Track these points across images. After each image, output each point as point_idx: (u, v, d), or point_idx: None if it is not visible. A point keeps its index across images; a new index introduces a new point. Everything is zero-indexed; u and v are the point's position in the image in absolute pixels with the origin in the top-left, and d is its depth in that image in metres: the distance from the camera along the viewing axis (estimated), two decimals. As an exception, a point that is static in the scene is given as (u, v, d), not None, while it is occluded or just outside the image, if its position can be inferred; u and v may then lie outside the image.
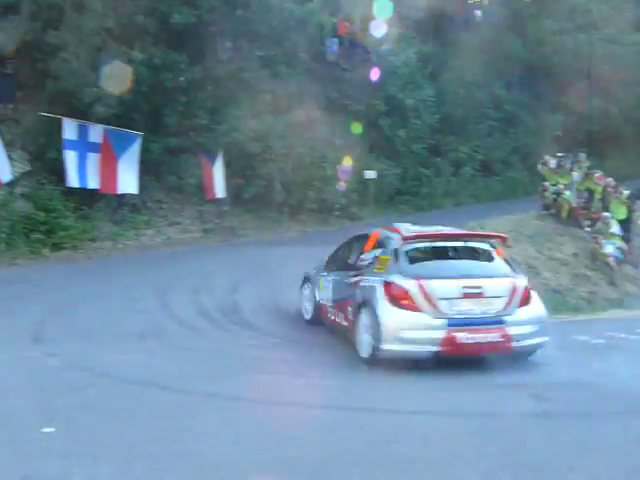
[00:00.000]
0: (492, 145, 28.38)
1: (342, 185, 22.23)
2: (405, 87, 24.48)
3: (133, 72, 19.16)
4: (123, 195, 19.62)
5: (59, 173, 18.67)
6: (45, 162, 19.11)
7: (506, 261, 10.35)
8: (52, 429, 6.81)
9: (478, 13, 32.81)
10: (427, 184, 25.92)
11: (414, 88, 24.88)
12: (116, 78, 18.29)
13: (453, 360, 9.55)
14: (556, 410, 7.71)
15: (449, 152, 27.03)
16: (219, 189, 20.78)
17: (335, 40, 25.51)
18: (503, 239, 10.81)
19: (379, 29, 24.71)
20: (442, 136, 26.57)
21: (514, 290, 9.56)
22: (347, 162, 22.06)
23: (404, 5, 28.03)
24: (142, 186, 19.43)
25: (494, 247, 10.41)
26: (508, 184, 28.79)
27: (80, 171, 18.30)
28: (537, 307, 9.96)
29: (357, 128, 23.06)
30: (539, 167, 21.01)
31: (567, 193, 19.19)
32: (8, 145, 18.64)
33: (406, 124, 24.63)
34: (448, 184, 26.75)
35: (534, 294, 10.00)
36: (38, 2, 18.47)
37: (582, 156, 21.00)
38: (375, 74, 24.19)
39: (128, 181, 18.53)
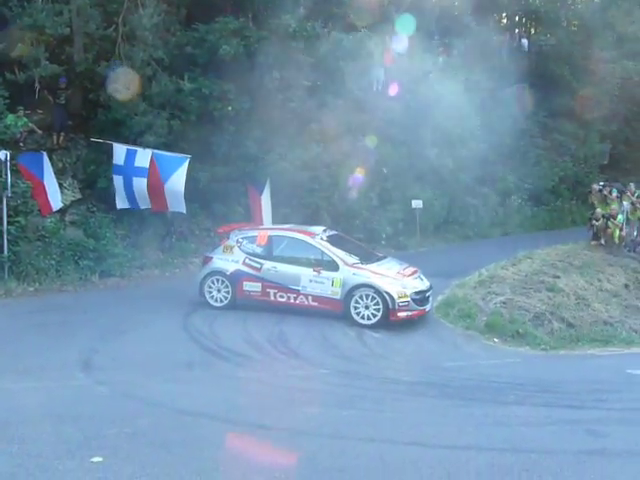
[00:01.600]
0: (540, 174, 28.07)
1: (353, 194, 22.09)
2: (452, 116, 24.37)
3: (182, 101, 19.45)
4: (172, 223, 19.77)
5: (109, 201, 18.92)
6: (95, 190, 19.40)
7: None
8: (100, 459, 6.83)
9: (525, 42, 32.70)
10: (474, 214, 25.69)
11: (461, 117, 24.76)
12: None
13: (502, 394, 9.45)
14: (613, 447, 7.50)
15: (496, 181, 26.79)
16: (266, 218, 20.81)
17: (382, 69, 25.54)
18: None
19: (401, 44, 24.63)
20: (489, 165, 26.35)
21: None
22: (360, 172, 21.94)
23: (450, 34, 28.07)
24: (190, 214, 19.57)
25: None
26: (556, 213, 28.43)
27: (126, 195, 18.49)
28: None
29: (373, 140, 22.98)
30: (588, 196, 20.76)
31: (619, 217, 18.86)
32: (59, 173, 19.00)
33: (453, 153, 24.50)
34: (495, 213, 26.49)
35: None
36: (90, 34, 18.88)
37: (631, 186, 20.67)
38: (394, 89, 24.11)
39: (176, 201, 18.61)
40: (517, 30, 34.44)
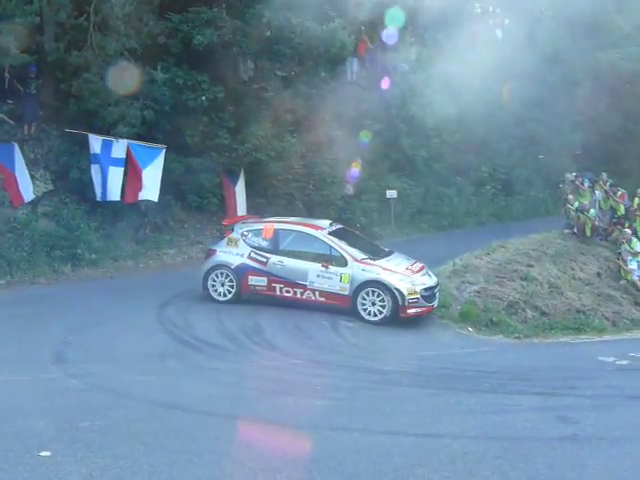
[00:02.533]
0: (513, 164, 28.14)
1: (349, 188, 22.10)
2: (426, 106, 24.39)
3: (156, 92, 19.29)
4: (146, 214, 19.62)
5: (82, 192, 18.74)
6: (68, 181, 19.17)
7: None
8: (48, 453, 6.76)
9: (498, 33, 32.79)
10: (448, 203, 25.73)
11: (435, 107, 24.78)
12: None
13: (476, 382, 9.54)
14: (584, 433, 7.58)
15: (470, 171, 26.85)
16: (241, 209, 20.75)
17: (356, 59, 25.53)
18: None
19: (391, 38, 24.65)
20: (463, 155, 26.41)
21: None
22: (356, 166, 21.96)
23: (424, 25, 28.06)
24: (164, 205, 19.45)
25: None
26: (530, 203, 28.53)
27: (102, 185, 18.36)
28: None
29: (366, 135, 23.00)
30: (561, 186, 20.90)
31: (592, 211, 19.04)
32: (31, 164, 18.74)
33: (427, 143, 24.53)
34: (469, 203, 26.56)
35: None
36: (61, 23, 18.60)
37: (603, 175, 20.83)
38: (386, 83, 24.16)
39: (150, 189, 18.47)
40: (491, 21, 34.51)
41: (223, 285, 14.85)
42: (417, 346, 12.72)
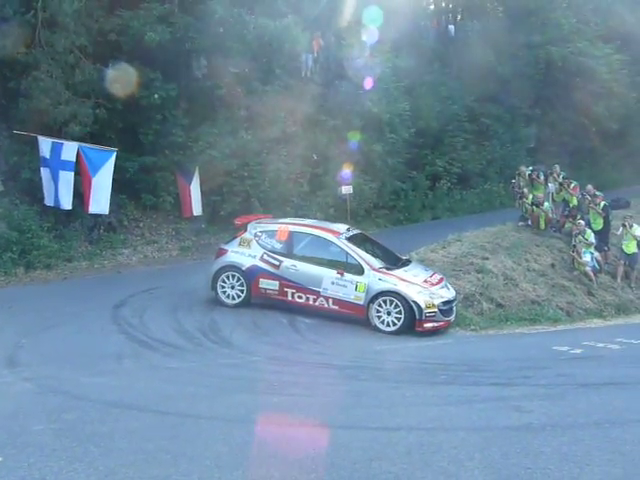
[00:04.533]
0: (468, 158, 28.44)
1: (343, 190, 22.12)
2: (380, 101, 24.50)
3: (107, 89, 19.07)
4: (99, 215, 19.42)
5: (33, 193, 18.45)
6: (19, 182, 18.84)
7: None
8: (1, 458, 6.64)
9: (451, 28, 33.10)
10: (404, 198, 25.92)
11: (389, 102, 24.92)
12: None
13: (433, 375, 9.60)
14: (538, 422, 7.67)
15: (425, 166, 27.07)
16: (196, 207, 20.68)
17: (310, 56, 25.51)
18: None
19: (371, 36, 24.73)
20: (418, 150, 26.59)
21: None
22: (347, 167, 22.00)
23: (379, 20, 28.16)
24: (118, 205, 19.28)
25: None
26: (485, 196, 28.87)
27: (53, 190, 18.11)
28: None
29: (355, 136, 23.13)
30: (514, 181, 21.14)
31: (546, 204, 19.32)
32: (-20, 165, 18.46)
33: (382, 138, 24.63)
34: (425, 198, 26.77)
35: None
36: (8, 19, 18.26)
37: (557, 167, 21.14)
38: (369, 83, 24.24)
39: (100, 201, 18.33)
40: (444, 17, 34.82)
41: (233, 288, 14.39)
42: (375, 341, 12.76)
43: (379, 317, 13.40)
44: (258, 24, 22.13)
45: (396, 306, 13.26)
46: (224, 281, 14.39)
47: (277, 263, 14.09)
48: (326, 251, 14.12)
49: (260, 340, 12.30)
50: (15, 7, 18.06)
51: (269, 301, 14.12)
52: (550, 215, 19.38)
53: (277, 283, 14.02)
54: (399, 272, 13.91)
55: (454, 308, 14.18)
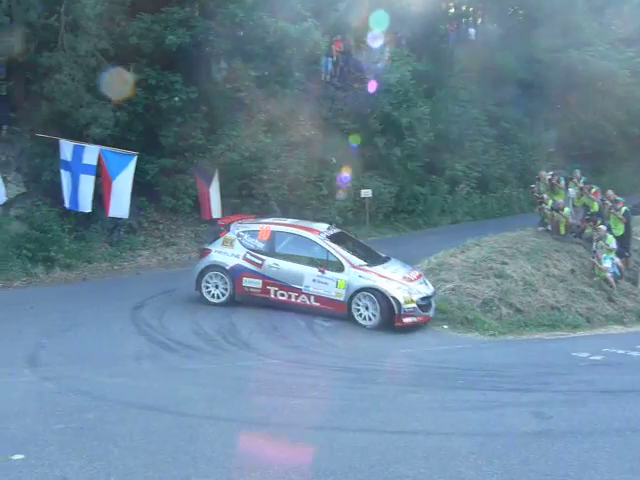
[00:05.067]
0: (487, 162, 28.41)
1: (341, 194, 22.12)
2: (400, 105, 24.50)
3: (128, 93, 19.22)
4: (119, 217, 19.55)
5: (55, 195, 18.59)
6: (41, 184, 19.02)
7: None
8: (22, 456, 6.71)
9: (472, 31, 33.04)
10: (423, 202, 25.89)
11: (409, 106, 24.90)
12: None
13: (451, 379, 9.59)
14: (557, 428, 7.64)
15: (445, 170, 27.03)
16: (215, 209, 20.73)
17: (330, 59, 25.60)
18: None
19: (377, 41, 24.77)
20: (438, 154, 26.57)
21: None
22: (346, 171, 21.99)
23: (398, 23, 28.17)
24: (138, 207, 19.38)
25: None
26: (504, 201, 28.82)
27: (73, 193, 18.23)
28: None
29: (355, 139, 23.14)
30: (533, 186, 21.01)
31: (566, 209, 19.20)
32: (3, 167, 18.61)
33: (401, 142, 24.62)
34: (444, 202, 26.73)
35: None
36: (31, 23, 18.43)
37: (577, 172, 20.99)
38: (372, 86, 24.28)
39: (120, 205, 18.43)
40: (464, 20, 34.78)
41: (217, 287, 14.61)
42: (392, 344, 12.74)
43: (360, 313, 13.66)
44: (278, 27, 22.20)
45: (370, 299, 13.56)
46: (208, 281, 14.66)
47: (260, 262, 14.40)
48: (307, 249, 14.42)
49: (278, 343, 12.31)
50: (39, 12, 18.21)
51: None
52: (570, 220, 19.25)
53: (260, 281, 14.31)
54: (378, 269, 14.18)
55: (433, 303, 14.39)
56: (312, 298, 13.96)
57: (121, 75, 19.05)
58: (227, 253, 14.68)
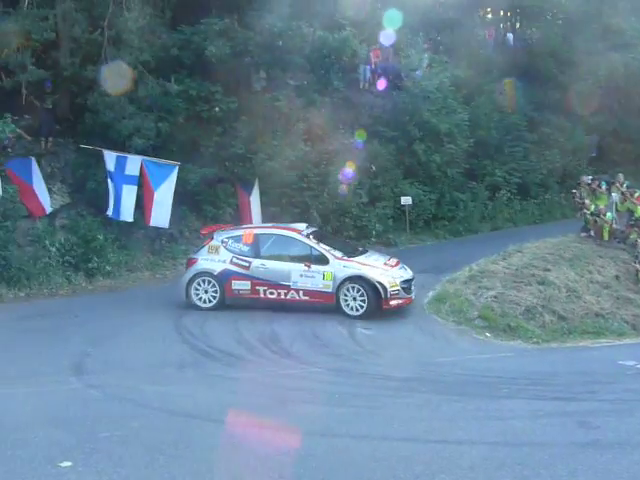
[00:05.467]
0: (528, 168, 28.08)
1: (343, 189, 21.98)
2: (439, 112, 24.40)
3: (170, 104, 19.45)
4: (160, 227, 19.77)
5: (98, 204, 18.87)
6: (84, 194, 19.34)
7: None
8: (70, 463, 6.81)
9: (510, 36, 32.78)
10: (463, 209, 25.68)
11: (448, 113, 24.78)
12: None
13: (494, 388, 9.51)
14: (605, 439, 7.52)
15: (485, 176, 26.81)
16: (256, 218, 20.81)
17: (368, 67, 25.60)
18: None
19: (389, 39, 24.61)
20: (477, 160, 26.37)
21: None
22: (349, 166, 21.84)
23: (436, 30, 28.14)
24: (179, 216, 19.55)
25: None
26: (545, 207, 28.46)
27: (116, 203, 18.50)
28: None
29: (361, 135, 23.02)
30: (575, 191, 20.76)
31: (608, 214, 18.92)
32: (48, 178, 18.95)
33: (441, 149, 24.49)
34: (484, 208, 26.50)
35: None
36: (76, 38, 18.79)
37: (620, 177, 20.65)
38: (382, 85, 24.19)
39: (161, 215, 18.66)
40: (502, 25, 34.53)
41: (207, 292, 15.18)
42: (435, 353, 12.68)
43: (347, 304, 14.43)
44: (317, 37, 22.29)
45: (358, 290, 14.36)
46: (197, 287, 15.20)
47: (247, 264, 15.03)
48: (291, 247, 15.22)
49: (320, 351, 12.32)
50: (83, 27, 18.59)
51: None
52: (614, 226, 18.97)
53: (249, 283, 14.93)
54: (361, 258, 15.21)
55: (413, 287, 15.11)
56: (301, 293, 14.66)
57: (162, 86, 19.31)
58: (214, 259, 15.31)
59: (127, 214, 18.52)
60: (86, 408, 9.05)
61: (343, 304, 14.43)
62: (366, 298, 14.28)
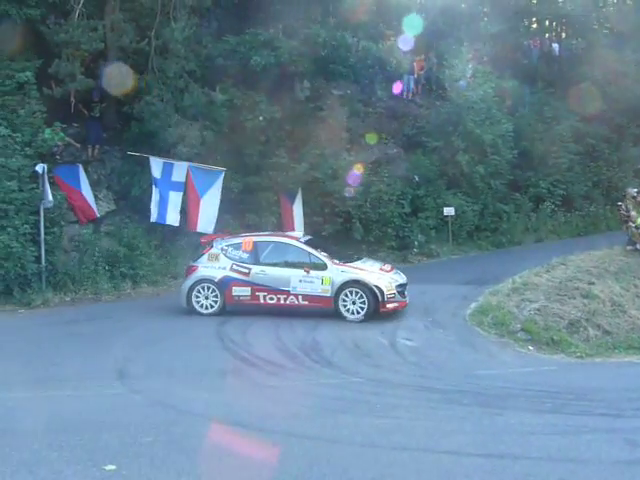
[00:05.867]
0: (573, 179, 27.76)
1: (350, 191, 21.86)
2: (483, 122, 24.25)
3: (215, 113, 19.65)
4: (204, 233, 19.95)
5: (142, 211, 19.14)
6: (129, 201, 19.65)
7: None
8: (114, 467, 6.90)
9: (555, 47, 32.46)
10: (506, 220, 25.47)
11: (492, 123, 24.62)
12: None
13: (538, 402, 9.39)
14: (653, 457, 7.39)
15: (528, 187, 26.58)
16: (298, 227, 20.91)
17: (412, 77, 25.59)
18: None
19: (407, 44, 24.46)
20: (521, 171, 26.16)
21: None
22: (358, 169, 21.69)
23: (480, 40, 27.98)
24: (222, 224, 19.71)
25: None
26: (590, 219, 28.05)
27: (161, 209, 18.74)
28: None
29: (372, 138, 22.90)
30: (620, 203, 20.42)
31: (654, 227, 18.60)
32: (94, 185, 19.31)
33: (485, 160, 24.33)
34: (528, 220, 26.24)
35: None
36: (124, 48, 19.14)
37: (666, 189, 20.28)
38: (398, 88, 24.05)
39: (207, 220, 18.87)
40: (547, 35, 34.20)
41: (207, 298, 15.55)
42: (476, 365, 12.56)
43: (347, 309, 14.90)
44: (361, 47, 22.35)
45: (357, 293, 14.85)
46: (198, 293, 15.57)
47: (247, 271, 15.41)
48: (290, 254, 15.65)
49: (361, 361, 12.30)
50: (131, 37, 18.94)
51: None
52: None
53: (249, 289, 15.32)
54: (357, 264, 15.75)
55: (406, 292, 15.59)
56: (300, 297, 15.10)
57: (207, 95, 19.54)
58: (214, 267, 15.64)
59: (173, 219, 18.77)
60: (129, 413, 9.16)
61: (342, 308, 14.88)
62: (366, 301, 14.75)
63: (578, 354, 13.85)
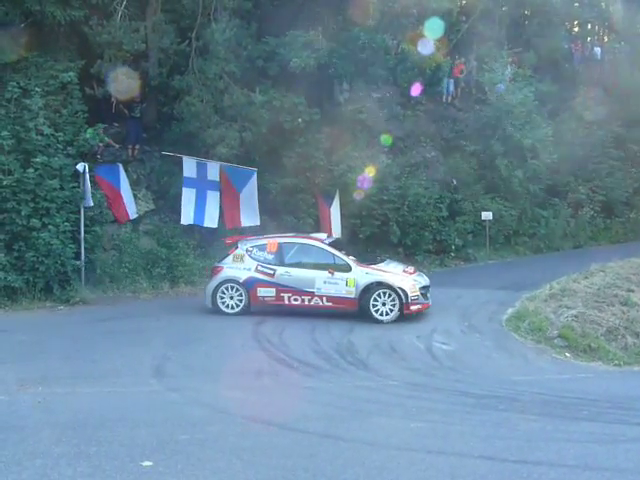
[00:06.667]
0: (613, 185, 27.40)
1: (359, 195, 21.62)
2: (522, 126, 24.05)
3: (254, 114, 19.75)
4: (242, 233, 20.07)
5: (180, 211, 19.30)
6: (168, 200, 19.84)
7: None
8: (150, 463, 6.98)
9: (597, 50, 32.09)
10: (545, 225, 25.23)
11: (532, 128, 24.39)
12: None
13: (574, 409, 9.31)
14: (693, 469, 7.27)
15: (567, 193, 26.32)
16: (335, 229, 20.91)
17: (451, 81, 25.49)
18: None
19: (427, 48, 24.21)
20: (560, 176, 25.89)
21: None
22: (369, 172, 21.50)
23: (521, 44, 27.77)
24: (260, 225, 19.83)
25: None
26: (630, 226, 27.69)
27: (198, 209, 18.81)
28: None
29: (387, 140, 22.71)
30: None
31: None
32: (134, 185, 19.54)
33: (523, 164, 24.12)
34: (567, 225, 25.95)
35: None
36: (165, 49, 19.37)
37: None
38: (417, 90, 23.84)
39: (250, 214, 18.98)
40: (589, 38, 33.83)
41: (232, 298, 15.73)
42: (513, 370, 12.49)
43: (377, 310, 15.03)
44: (400, 49, 22.31)
45: (389, 295, 15.01)
46: (223, 293, 15.77)
47: (272, 272, 15.60)
48: (314, 256, 15.80)
49: (397, 364, 12.29)
50: (172, 38, 19.16)
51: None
52: None
53: (274, 290, 15.51)
54: (381, 266, 15.95)
55: (429, 294, 15.76)
56: (324, 299, 15.30)
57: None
58: (239, 268, 15.83)
59: (211, 220, 18.86)
60: (166, 410, 9.27)
61: (372, 309, 15.00)
62: (397, 303, 14.90)
63: (616, 362, 13.68)
